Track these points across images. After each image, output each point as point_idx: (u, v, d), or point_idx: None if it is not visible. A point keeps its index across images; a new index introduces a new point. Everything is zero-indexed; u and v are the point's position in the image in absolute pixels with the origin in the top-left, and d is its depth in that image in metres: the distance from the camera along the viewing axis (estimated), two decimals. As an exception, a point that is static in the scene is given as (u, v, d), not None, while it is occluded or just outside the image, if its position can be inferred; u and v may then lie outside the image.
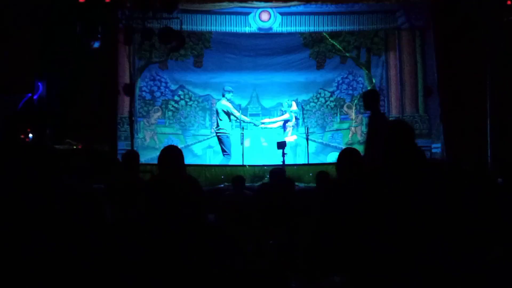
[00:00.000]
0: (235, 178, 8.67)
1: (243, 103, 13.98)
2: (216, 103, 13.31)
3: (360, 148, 12.96)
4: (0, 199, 3.36)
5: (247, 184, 9.71)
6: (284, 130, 13.31)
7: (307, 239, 5.12)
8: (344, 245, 3.93)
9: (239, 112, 12.74)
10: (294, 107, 13.38)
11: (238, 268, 3.62)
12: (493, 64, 11.86)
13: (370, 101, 8.26)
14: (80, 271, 3.06)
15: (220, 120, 12.63)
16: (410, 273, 3.45)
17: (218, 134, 12.75)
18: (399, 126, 4.26)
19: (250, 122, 13.43)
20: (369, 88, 14.26)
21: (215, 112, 13.28)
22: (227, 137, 12.70)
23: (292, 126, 13.29)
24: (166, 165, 5.39)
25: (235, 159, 12.71)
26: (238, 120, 12.75)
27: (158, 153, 5.26)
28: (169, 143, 13.69)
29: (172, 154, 5.46)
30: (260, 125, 13.65)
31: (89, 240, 3.22)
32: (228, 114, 12.67)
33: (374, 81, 14.31)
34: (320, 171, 8.32)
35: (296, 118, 13.47)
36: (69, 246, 3.12)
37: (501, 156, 11.16)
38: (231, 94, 12.79)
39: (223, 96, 12.77)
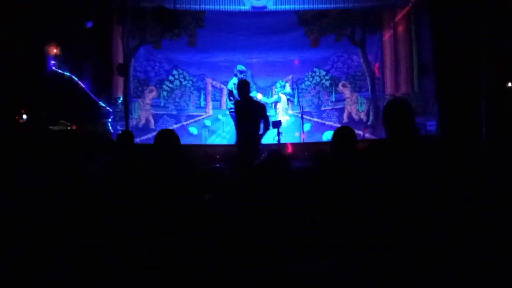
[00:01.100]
0: (231, 157, 8.66)
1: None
2: (228, 83, 13.23)
3: (355, 127, 13.15)
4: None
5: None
6: (276, 112, 13.32)
7: (302, 218, 5.13)
8: (340, 224, 3.94)
9: None
10: (288, 88, 13.36)
11: (233, 249, 3.62)
12: (489, 41, 11.83)
13: (239, 90, 8.81)
14: (73, 250, 3.06)
15: (230, 100, 12.59)
16: (406, 251, 3.46)
17: (231, 113, 12.75)
18: (397, 104, 4.24)
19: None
20: (364, 66, 14.23)
21: (227, 92, 13.27)
22: None
23: (284, 108, 13.29)
24: (161, 149, 5.39)
25: (231, 139, 12.72)
26: None
27: (153, 133, 5.26)
28: (165, 123, 13.75)
29: (167, 139, 5.45)
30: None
31: (81, 222, 3.22)
32: None
33: (368, 58, 14.27)
34: (317, 150, 8.29)
35: (289, 100, 13.46)
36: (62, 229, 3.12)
37: (496, 133, 11.17)
38: (243, 74, 12.76)
39: (235, 76, 12.73)
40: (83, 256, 3.14)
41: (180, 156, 5.56)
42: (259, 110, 8.86)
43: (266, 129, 8.83)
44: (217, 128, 14.33)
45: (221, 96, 14.51)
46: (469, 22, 11.89)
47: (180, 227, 3.60)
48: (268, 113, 8.97)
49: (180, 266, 3.31)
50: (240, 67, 12.93)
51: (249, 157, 8.71)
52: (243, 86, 8.87)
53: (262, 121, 8.75)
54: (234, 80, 12.60)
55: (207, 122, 14.34)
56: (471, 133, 11.37)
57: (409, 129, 3.93)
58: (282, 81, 13.54)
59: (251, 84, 13.67)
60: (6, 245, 3.03)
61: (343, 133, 5.07)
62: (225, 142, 13.57)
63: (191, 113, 14.36)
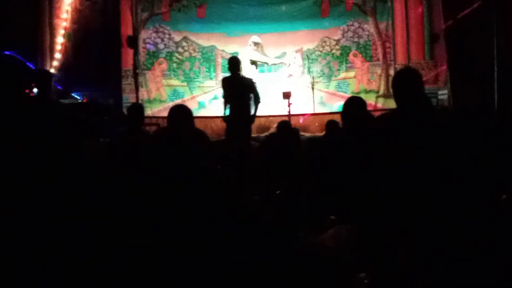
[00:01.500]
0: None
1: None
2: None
3: (367, 97, 13.10)
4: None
5: (253, 135, 9.73)
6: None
7: (314, 189, 5.14)
8: (351, 194, 3.94)
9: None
10: (298, 59, 13.33)
11: (245, 219, 3.64)
12: (501, 9, 11.69)
13: (229, 66, 9.07)
14: (80, 223, 3.08)
15: None
16: (416, 221, 3.46)
17: None
18: (406, 74, 4.21)
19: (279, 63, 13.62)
20: (375, 35, 14.10)
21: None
22: None
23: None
24: (175, 123, 5.42)
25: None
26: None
27: (165, 105, 5.24)
28: (175, 95, 13.73)
29: (181, 114, 5.49)
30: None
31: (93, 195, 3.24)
32: (255, 63, 12.68)
33: (379, 27, 14.14)
34: (329, 120, 8.27)
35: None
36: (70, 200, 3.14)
37: (508, 102, 11.09)
38: (257, 46, 12.80)
39: (250, 46, 12.77)
40: (101, 227, 3.17)
41: (193, 129, 5.59)
42: (249, 86, 8.92)
43: (256, 104, 8.89)
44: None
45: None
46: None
47: (191, 197, 3.61)
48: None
49: (191, 238, 3.33)
50: (256, 38, 12.92)
51: (239, 134, 8.77)
52: (232, 62, 8.96)
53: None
54: (248, 50, 12.62)
55: (217, 94, 14.32)
56: (483, 101, 11.31)
57: (417, 99, 3.90)
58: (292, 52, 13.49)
59: (263, 54, 13.61)
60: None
61: (354, 103, 5.05)
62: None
63: (201, 85, 14.32)
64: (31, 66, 11.33)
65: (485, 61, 11.67)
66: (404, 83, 3.97)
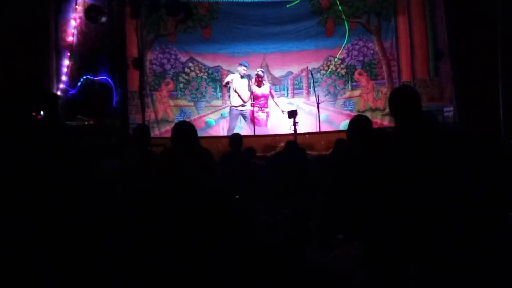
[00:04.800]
0: (246, 149, 8.71)
1: (253, 73, 13.88)
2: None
3: (372, 115, 13.13)
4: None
5: (259, 154, 9.74)
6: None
7: (321, 208, 5.14)
8: (359, 213, 3.94)
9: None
10: None
11: (252, 239, 3.63)
12: (505, 25, 11.72)
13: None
14: (87, 244, 3.09)
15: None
16: (426, 240, 3.46)
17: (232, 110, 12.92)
18: (402, 93, 4.21)
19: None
20: (379, 53, 14.15)
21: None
22: None
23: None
24: (179, 141, 5.43)
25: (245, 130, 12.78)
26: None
27: (171, 125, 5.25)
28: (182, 115, 13.78)
29: (184, 130, 5.50)
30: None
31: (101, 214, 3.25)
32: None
33: (384, 45, 14.19)
34: (338, 139, 8.27)
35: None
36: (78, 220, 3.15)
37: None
38: (245, 70, 12.91)
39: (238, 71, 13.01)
40: (105, 243, 3.18)
41: (198, 147, 5.60)
42: None
43: None
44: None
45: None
46: (485, 5, 11.80)
47: (197, 217, 3.62)
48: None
49: (197, 256, 3.33)
50: (243, 62, 13.02)
51: None
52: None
53: None
54: (235, 76, 12.77)
55: (224, 113, 14.36)
56: (489, 118, 11.30)
57: (415, 117, 3.89)
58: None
59: (267, 75, 13.65)
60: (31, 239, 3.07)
61: (359, 122, 5.06)
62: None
63: (208, 105, 14.38)
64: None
65: (490, 77, 11.68)
66: (399, 103, 3.98)
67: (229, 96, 13.20)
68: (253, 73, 13.12)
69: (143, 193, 4.67)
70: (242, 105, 12.80)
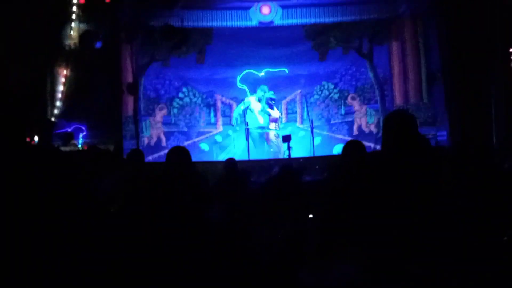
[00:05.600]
0: (241, 173, 8.69)
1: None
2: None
3: (366, 139, 13.16)
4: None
5: (253, 179, 9.73)
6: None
7: (315, 230, 5.14)
8: (353, 234, 3.95)
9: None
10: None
11: (246, 262, 3.64)
12: (498, 48, 11.83)
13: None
14: (80, 265, 3.08)
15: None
16: (419, 262, 3.46)
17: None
18: (398, 117, 4.23)
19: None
20: (372, 78, 14.24)
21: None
22: None
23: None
24: (173, 166, 5.44)
25: (241, 155, 12.81)
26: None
27: (165, 151, 5.28)
28: (176, 141, 13.80)
29: (179, 155, 5.51)
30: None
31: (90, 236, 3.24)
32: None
33: (377, 70, 14.27)
34: (331, 163, 8.28)
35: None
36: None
37: (507, 141, 11.13)
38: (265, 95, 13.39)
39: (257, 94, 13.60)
40: (92, 266, 3.17)
41: (192, 172, 5.61)
42: None
43: None
44: (227, 144, 14.37)
45: (230, 112, 14.56)
46: (477, 28, 11.89)
47: (190, 240, 3.61)
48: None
49: (189, 279, 3.32)
50: (264, 88, 13.32)
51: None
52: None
53: None
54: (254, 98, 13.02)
55: (218, 138, 14.39)
56: (483, 141, 11.34)
57: (411, 141, 3.91)
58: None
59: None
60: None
61: (353, 148, 5.08)
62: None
63: (202, 130, 14.41)
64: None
65: (483, 99, 11.76)
66: (394, 127, 3.99)
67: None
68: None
69: (136, 216, 4.66)
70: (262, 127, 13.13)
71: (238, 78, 14.07)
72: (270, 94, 13.45)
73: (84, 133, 12.07)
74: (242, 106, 13.60)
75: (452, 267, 3.36)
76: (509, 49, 11.99)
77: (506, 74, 11.83)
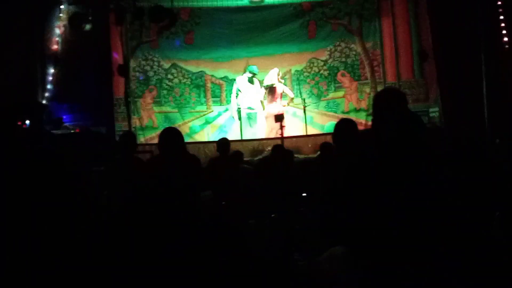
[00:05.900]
0: (234, 153, 8.70)
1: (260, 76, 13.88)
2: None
3: (357, 115, 13.19)
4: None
5: (246, 159, 9.76)
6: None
7: (309, 211, 5.16)
8: (346, 216, 3.96)
9: None
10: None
11: (240, 243, 3.65)
12: (488, 24, 11.83)
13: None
14: (74, 254, 3.09)
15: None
16: (412, 243, 3.48)
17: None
18: (388, 94, 4.21)
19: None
20: (362, 54, 14.22)
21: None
22: None
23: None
24: (166, 147, 5.44)
25: (234, 134, 12.83)
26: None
27: (157, 132, 5.27)
28: (167, 122, 13.75)
29: (171, 136, 5.51)
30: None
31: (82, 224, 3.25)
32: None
33: (366, 46, 14.25)
34: (323, 142, 8.29)
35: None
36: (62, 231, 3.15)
37: (498, 117, 11.19)
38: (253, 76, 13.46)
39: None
40: (85, 255, 3.17)
41: (185, 153, 5.61)
42: None
43: None
44: (218, 123, 14.36)
45: (220, 92, 14.51)
46: (468, 5, 11.88)
47: (183, 224, 3.62)
48: None
49: (183, 264, 3.34)
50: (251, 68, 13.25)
51: None
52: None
53: None
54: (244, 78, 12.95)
55: (209, 119, 14.36)
56: (474, 117, 11.39)
57: (401, 118, 3.90)
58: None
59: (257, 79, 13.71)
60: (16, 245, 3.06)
61: (344, 125, 5.04)
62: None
63: (192, 110, 14.36)
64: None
65: (474, 77, 11.78)
66: (384, 104, 3.98)
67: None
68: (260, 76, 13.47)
69: (130, 200, 4.67)
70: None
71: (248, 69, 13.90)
72: (253, 69, 13.36)
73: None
74: (234, 93, 13.54)
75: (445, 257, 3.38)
76: (500, 24, 12.00)
77: (497, 51, 11.84)
